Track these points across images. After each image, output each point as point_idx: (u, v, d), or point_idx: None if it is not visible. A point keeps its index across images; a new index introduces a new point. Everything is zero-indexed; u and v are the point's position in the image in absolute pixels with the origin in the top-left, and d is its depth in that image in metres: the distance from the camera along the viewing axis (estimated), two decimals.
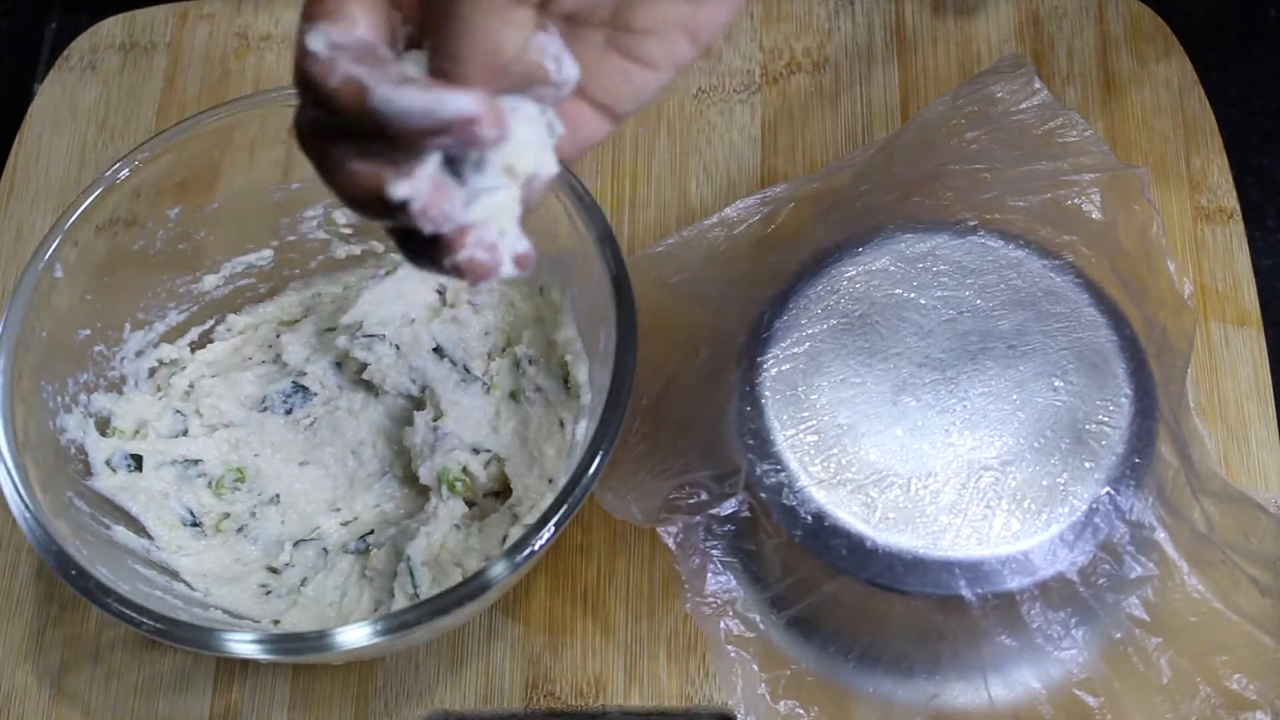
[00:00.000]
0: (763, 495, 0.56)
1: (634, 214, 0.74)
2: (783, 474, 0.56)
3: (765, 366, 0.58)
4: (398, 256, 0.68)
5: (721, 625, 0.60)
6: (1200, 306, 0.70)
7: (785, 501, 0.56)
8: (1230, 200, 0.72)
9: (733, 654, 0.60)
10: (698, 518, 0.60)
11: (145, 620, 0.54)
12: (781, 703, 0.60)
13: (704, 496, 0.60)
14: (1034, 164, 0.63)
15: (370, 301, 0.65)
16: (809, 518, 0.55)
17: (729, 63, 0.78)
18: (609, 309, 0.58)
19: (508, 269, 0.43)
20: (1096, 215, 0.62)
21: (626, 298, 0.58)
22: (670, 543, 0.60)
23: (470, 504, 0.64)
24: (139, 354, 0.66)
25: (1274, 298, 0.71)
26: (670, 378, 0.62)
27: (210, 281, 0.67)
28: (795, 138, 0.75)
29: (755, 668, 0.60)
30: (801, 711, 0.59)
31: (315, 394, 0.67)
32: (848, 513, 0.55)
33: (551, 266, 0.65)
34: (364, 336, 0.65)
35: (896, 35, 0.78)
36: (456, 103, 0.39)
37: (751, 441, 0.57)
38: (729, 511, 0.58)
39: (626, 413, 0.56)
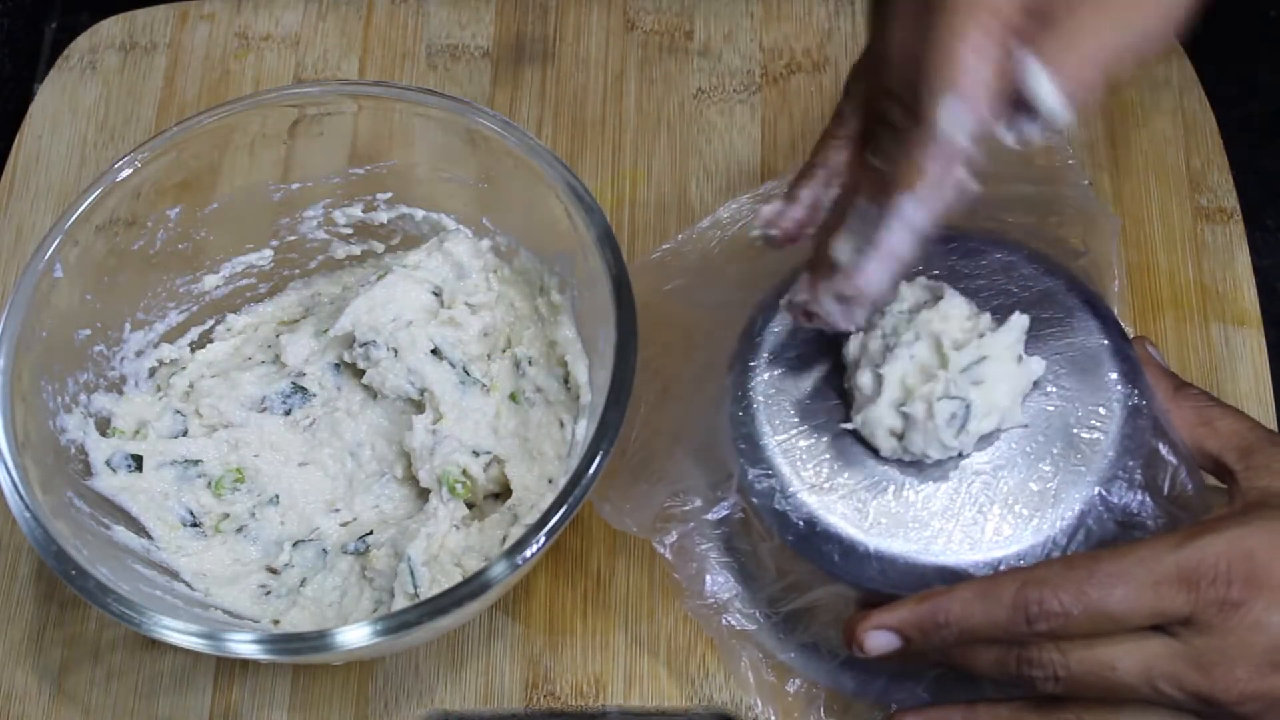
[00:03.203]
0: (754, 500, 0.56)
1: (634, 214, 0.74)
2: (774, 479, 0.56)
3: (757, 371, 0.58)
4: (390, 259, 0.68)
5: (724, 621, 0.61)
6: (1200, 307, 0.70)
7: (777, 506, 0.56)
8: (1230, 200, 0.72)
9: (737, 646, 0.60)
10: (691, 524, 0.60)
11: (145, 620, 0.54)
12: (790, 683, 0.60)
13: (697, 503, 0.60)
14: (1019, 185, 0.63)
15: (360, 309, 0.65)
16: (800, 523, 0.55)
17: (729, 63, 0.78)
18: (609, 309, 0.58)
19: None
20: (1077, 244, 0.62)
21: (626, 298, 0.58)
22: (666, 553, 0.60)
23: (470, 505, 0.64)
24: (139, 354, 0.66)
25: (1274, 298, 0.71)
26: (666, 384, 0.62)
27: (210, 281, 0.67)
28: (795, 138, 0.75)
29: (760, 655, 0.60)
30: (814, 691, 0.60)
31: (314, 395, 0.67)
32: (839, 518, 0.55)
33: (551, 266, 0.65)
34: (359, 346, 0.65)
35: None
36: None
37: (743, 446, 0.57)
38: (721, 515, 0.58)
39: (626, 412, 0.56)
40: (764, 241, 0.57)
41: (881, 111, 0.50)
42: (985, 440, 0.55)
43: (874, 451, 0.56)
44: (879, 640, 0.53)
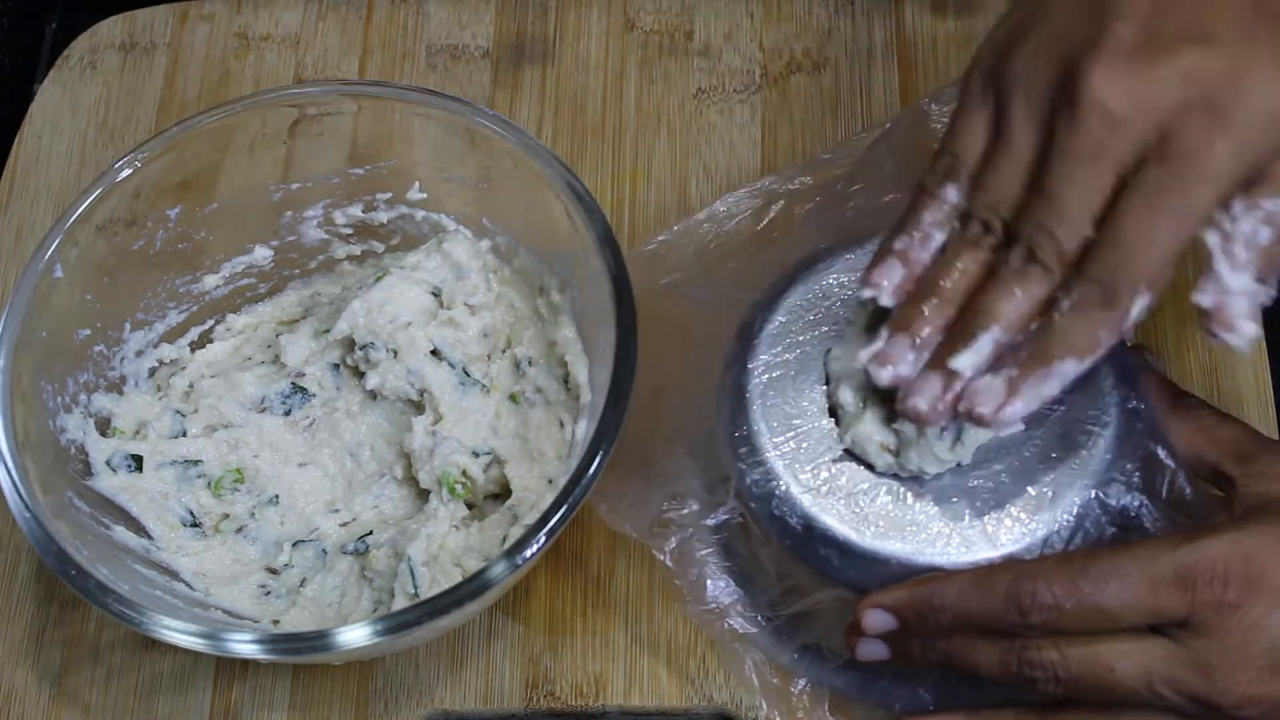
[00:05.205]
0: (752, 505, 0.56)
1: (634, 214, 0.74)
2: (772, 483, 0.56)
3: (754, 373, 0.58)
4: (388, 260, 0.68)
5: (725, 625, 0.60)
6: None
7: (774, 511, 0.55)
8: None
9: (740, 649, 0.60)
10: (690, 530, 0.60)
11: (145, 620, 0.54)
12: (795, 684, 0.60)
13: (695, 507, 0.60)
14: None
15: (358, 312, 0.65)
16: (798, 527, 0.55)
17: (729, 63, 0.78)
18: (609, 309, 0.58)
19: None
20: None
21: (626, 298, 0.58)
22: (667, 560, 0.60)
23: (470, 505, 0.64)
24: (139, 354, 0.66)
25: (1274, 298, 0.71)
26: (662, 381, 0.62)
27: (210, 281, 0.67)
28: (795, 138, 0.75)
29: (763, 658, 0.60)
30: (819, 691, 0.59)
31: (314, 395, 0.67)
32: (837, 520, 0.55)
33: (551, 266, 0.65)
34: (359, 349, 0.65)
35: (896, 35, 0.78)
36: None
37: (742, 450, 0.57)
38: (719, 521, 0.58)
39: (626, 413, 0.56)
40: (873, 302, 0.55)
41: (1038, 250, 0.50)
42: (983, 447, 0.55)
43: (870, 467, 0.56)
44: (876, 620, 0.53)
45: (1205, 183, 0.47)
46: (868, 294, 0.53)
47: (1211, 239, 0.49)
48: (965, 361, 0.50)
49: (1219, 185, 0.47)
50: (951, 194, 0.52)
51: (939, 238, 0.52)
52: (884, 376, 0.52)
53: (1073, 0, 0.50)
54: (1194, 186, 0.47)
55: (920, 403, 0.51)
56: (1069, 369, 0.50)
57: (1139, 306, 0.49)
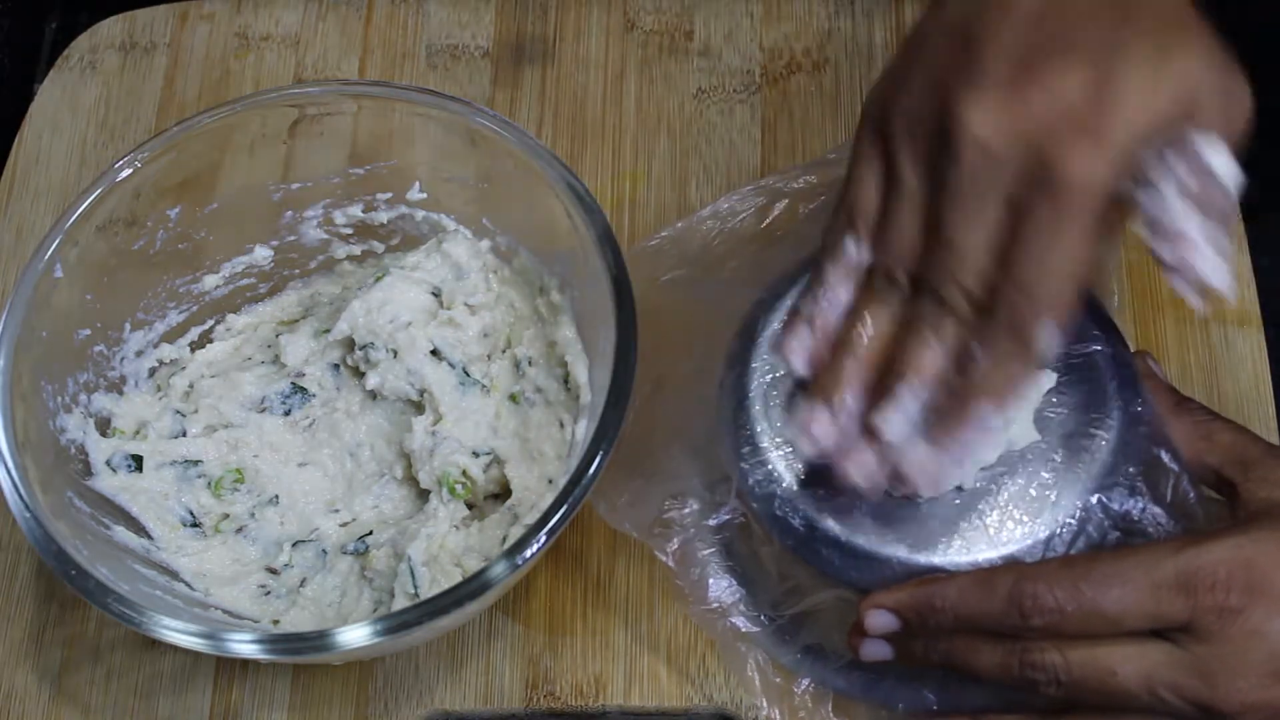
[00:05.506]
0: (754, 505, 0.56)
1: (634, 214, 0.74)
2: (773, 484, 0.56)
3: (756, 372, 0.58)
4: (388, 260, 0.68)
5: (728, 624, 0.60)
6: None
7: (776, 511, 0.55)
8: None
9: (743, 648, 0.60)
10: (691, 530, 0.60)
11: (145, 620, 0.54)
12: (798, 683, 0.60)
13: (695, 507, 0.59)
14: None
15: (357, 312, 0.65)
16: (800, 527, 0.55)
17: (729, 63, 0.78)
18: (609, 309, 0.58)
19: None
20: None
21: (626, 298, 0.58)
22: (669, 560, 0.60)
23: (470, 505, 0.64)
24: (139, 354, 0.66)
25: (1274, 298, 0.71)
26: (661, 376, 0.62)
27: (210, 281, 0.67)
28: (795, 138, 0.75)
29: (765, 658, 0.60)
30: (822, 690, 0.60)
31: (314, 395, 0.67)
32: (838, 521, 0.55)
33: (551, 266, 0.65)
34: (359, 349, 0.65)
35: (896, 35, 0.78)
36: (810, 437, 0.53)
37: (744, 450, 0.57)
38: (721, 520, 0.58)
39: (627, 413, 0.56)
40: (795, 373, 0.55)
41: (946, 298, 0.49)
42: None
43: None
44: (878, 619, 0.53)
45: (1089, 204, 0.46)
46: (783, 364, 0.53)
47: (1141, 196, 0.48)
48: (888, 418, 0.51)
49: (1103, 200, 0.47)
50: (852, 250, 0.52)
51: (845, 296, 0.52)
52: (807, 448, 0.53)
53: (945, 36, 0.49)
54: (1080, 211, 0.47)
55: (853, 475, 0.52)
56: (987, 412, 0.50)
57: (1047, 337, 0.48)
